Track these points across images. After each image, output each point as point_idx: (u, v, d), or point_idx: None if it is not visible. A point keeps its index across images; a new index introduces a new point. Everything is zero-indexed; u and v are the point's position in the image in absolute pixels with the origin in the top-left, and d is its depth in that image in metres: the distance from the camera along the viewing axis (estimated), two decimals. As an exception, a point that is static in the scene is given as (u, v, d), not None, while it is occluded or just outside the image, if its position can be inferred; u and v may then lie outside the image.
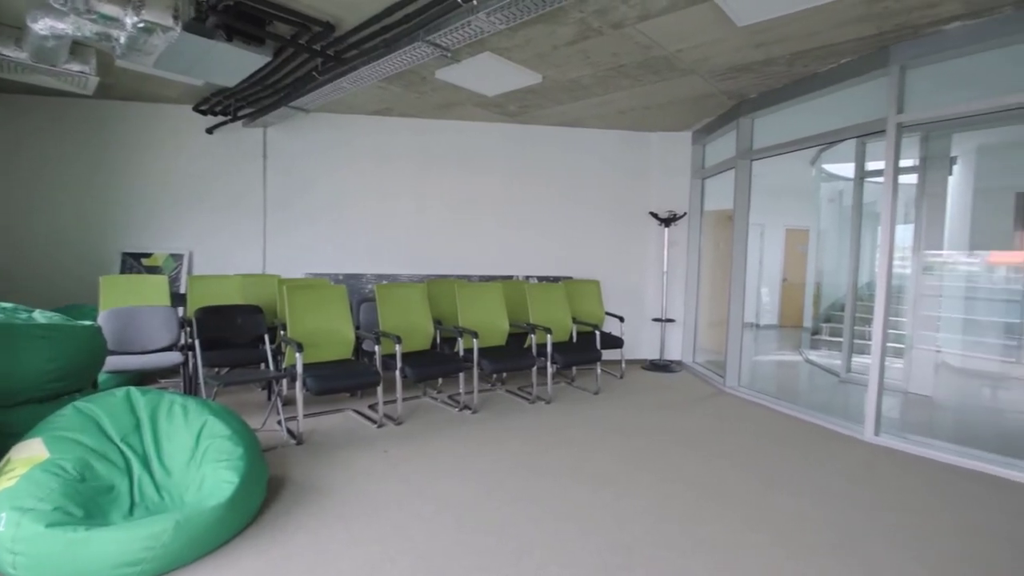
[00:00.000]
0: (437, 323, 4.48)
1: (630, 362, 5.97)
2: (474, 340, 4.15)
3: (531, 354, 4.44)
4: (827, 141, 4.26)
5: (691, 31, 3.44)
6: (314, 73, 3.95)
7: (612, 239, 6.10)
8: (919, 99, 3.56)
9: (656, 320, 6.09)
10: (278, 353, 3.97)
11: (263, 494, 2.48)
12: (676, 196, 6.02)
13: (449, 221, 5.78)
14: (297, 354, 3.41)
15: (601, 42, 3.62)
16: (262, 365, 4.05)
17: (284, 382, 4.02)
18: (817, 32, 3.43)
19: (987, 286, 5.67)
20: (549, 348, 4.52)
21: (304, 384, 3.39)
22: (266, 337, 3.92)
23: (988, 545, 2.35)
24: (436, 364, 4.04)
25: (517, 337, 4.76)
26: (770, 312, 9.54)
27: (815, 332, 6.92)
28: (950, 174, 5.10)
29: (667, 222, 5.89)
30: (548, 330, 4.55)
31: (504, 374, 5.17)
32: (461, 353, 4.27)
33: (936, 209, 5.10)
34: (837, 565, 2.16)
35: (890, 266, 3.67)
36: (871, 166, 5.39)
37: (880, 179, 3.74)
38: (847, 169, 5.82)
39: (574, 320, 5.09)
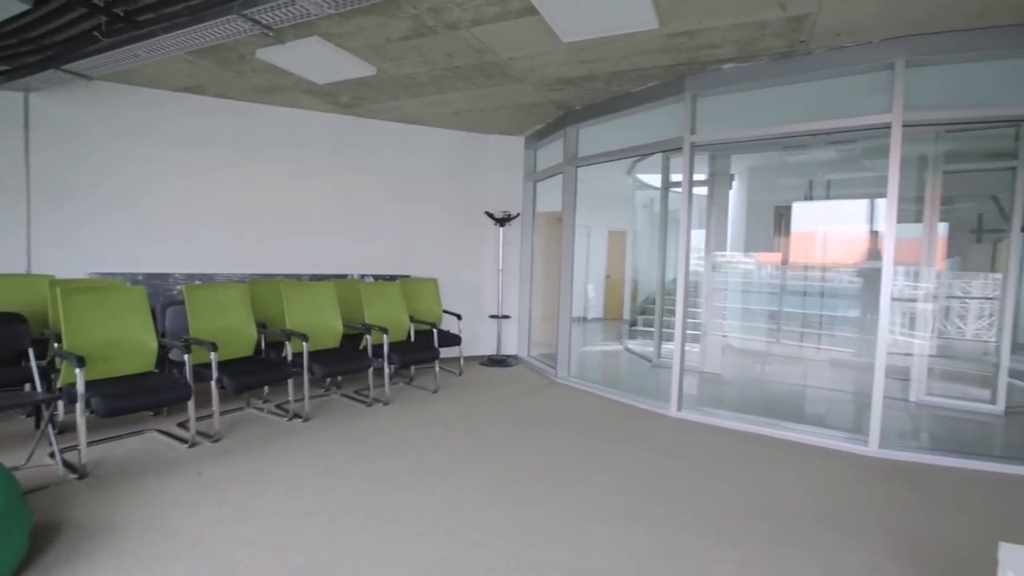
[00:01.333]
0: (261, 327, 4.10)
1: (469, 359, 6.10)
2: (304, 343, 3.88)
3: (367, 355, 4.30)
4: (639, 154, 4.82)
5: (522, 41, 3.62)
6: (96, 34, 3.32)
7: (450, 238, 6.17)
8: (708, 123, 4.20)
9: (493, 317, 6.32)
10: (52, 370, 3.27)
11: (24, 547, 2.02)
12: (511, 197, 6.30)
13: (275, 215, 5.31)
14: (77, 370, 2.85)
15: (436, 41, 3.63)
16: (27, 386, 3.31)
17: (60, 405, 3.33)
18: (629, 56, 3.85)
19: (757, 281, 6.94)
20: (386, 348, 4.42)
21: (88, 406, 2.85)
22: (31, 352, 3.21)
23: (758, 490, 2.87)
24: (260, 371, 3.69)
25: (352, 338, 4.57)
26: (596, 306, 10.51)
27: (632, 324, 7.80)
28: (730, 188, 6.11)
29: (502, 222, 6.14)
30: (384, 330, 4.44)
31: (339, 377, 4.92)
32: (289, 358, 3.96)
33: (721, 217, 6.07)
34: (650, 529, 2.46)
35: (687, 265, 4.29)
36: (675, 178, 6.24)
37: (680, 189, 4.34)
38: (657, 179, 6.66)
39: (412, 319, 5.05)
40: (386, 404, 4.37)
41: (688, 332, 4.62)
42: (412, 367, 5.22)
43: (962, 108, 3.41)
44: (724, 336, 6.47)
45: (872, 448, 3.54)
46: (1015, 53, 3.29)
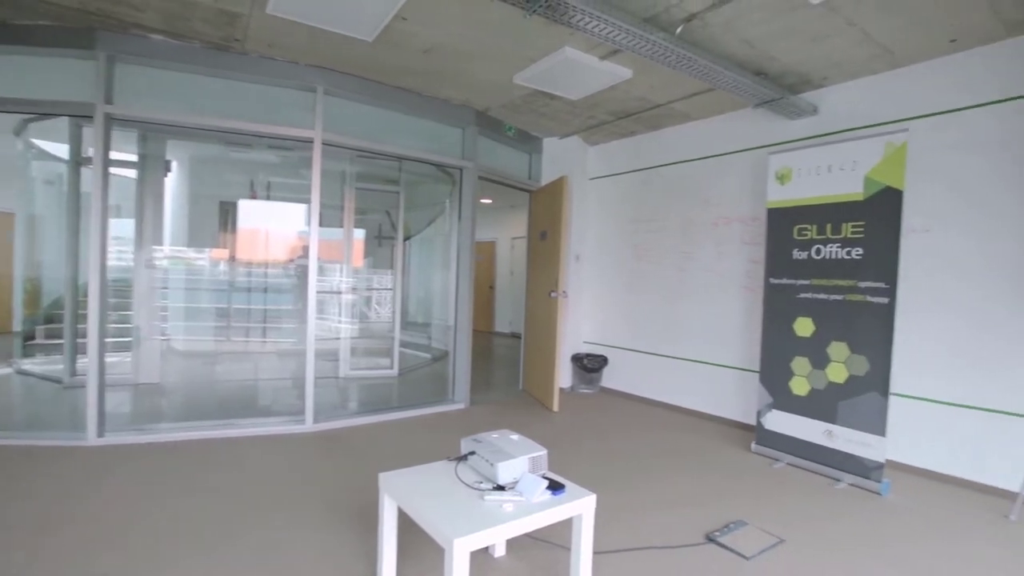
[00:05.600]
0: None
1: None
2: None
3: None
4: (29, 111, 3.68)
5: None
6: None
7: None
8: (134, 96, 3.64)
9: None
10: None
11: None
12: None
13: None
14: None
15: None
16: None
17: None
18: (2, -25, 2.88)
19: (206, 279, 6.63)
20: None
21: None
22: None
23: (207, 497, 2.73)
24: None
25: None
26: (-36, 317, 7.41)
27: (30, 337, 5.94)
28: (167, 175, 5.55)
29: None
30: None
31: None
32: None
33: (157, 207, 5.43)
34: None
35: (104, 259, 3.59)
36: (91, 152, 5.12)
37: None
38: (64, 149, 5.28)
39: None
40: None
41: (118, 340, 3.91)
42: None
43: (367, 140, 4.31)
44: (166, 340, 5.87)
45: (309, 425, 4.02)
46: (393, 108, 4.43)
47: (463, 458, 2.01)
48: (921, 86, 3.52)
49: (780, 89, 3.80)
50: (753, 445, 3.89)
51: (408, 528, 2.20)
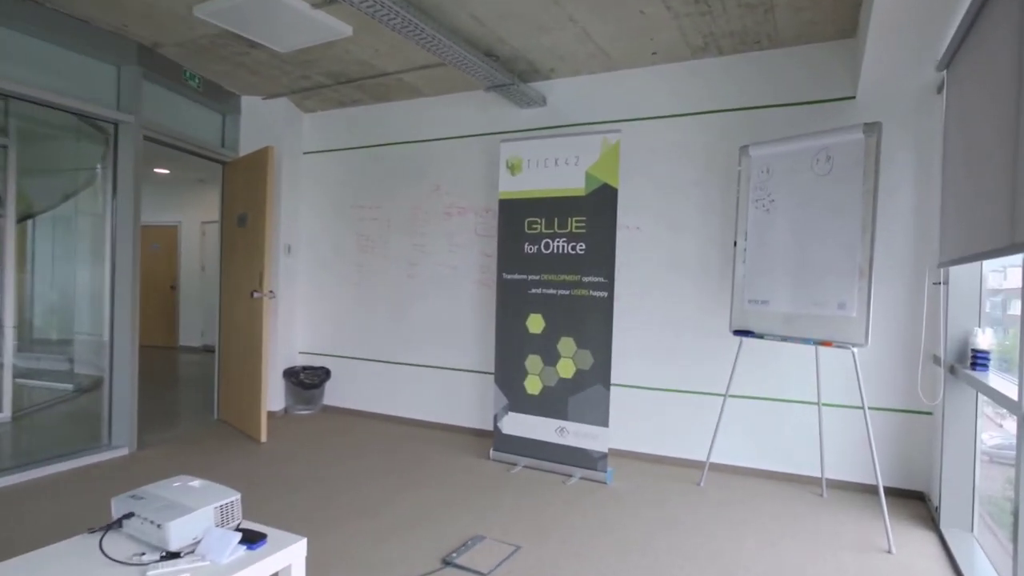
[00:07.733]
0: None
1: None
2: None
3: None
4: None
5: None
6: None
7: None
8: None
9: None
10: None
11: None
12: None
13: None
14: None
15: None
16: None
17: None
18: None
19: None
20: None
21: None
22: None
23: None
24: None
25: None
26: None
27: None
28: None
29: None
30: None
31: None
32: None
33: None
34: None
35: None
36: None
37: None
38: None
39: None
40: None
41: None
42: None
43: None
44: None
45: None
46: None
47: (114, 525, 1.63)
48: (631, 91, 4.29)
49: (511, 75, 4.18)
50: (491, 452, 4.19)
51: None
